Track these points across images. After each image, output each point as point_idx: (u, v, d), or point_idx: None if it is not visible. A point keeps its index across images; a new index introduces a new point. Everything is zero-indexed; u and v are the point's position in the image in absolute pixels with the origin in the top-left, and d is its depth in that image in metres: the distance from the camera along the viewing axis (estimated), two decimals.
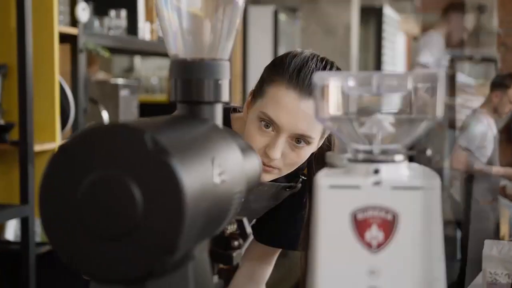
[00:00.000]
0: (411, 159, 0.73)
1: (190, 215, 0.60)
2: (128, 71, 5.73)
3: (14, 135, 2.38)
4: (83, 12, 2.61)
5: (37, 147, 2.39)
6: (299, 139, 1.23)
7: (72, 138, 0.62)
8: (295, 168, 1.28)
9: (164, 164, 0.60)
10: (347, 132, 0.72)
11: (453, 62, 4.57)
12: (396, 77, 0.70)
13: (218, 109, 0.81)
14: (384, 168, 0.69)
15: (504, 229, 4.27)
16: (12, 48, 2.38)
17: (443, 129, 4.53)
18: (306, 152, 1.26)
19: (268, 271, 1.47)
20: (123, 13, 3.02)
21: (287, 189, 1.39)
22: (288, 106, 1.21)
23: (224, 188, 0.70)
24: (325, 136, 1.31)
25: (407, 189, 0.67)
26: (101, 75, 4.22)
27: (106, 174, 0.61)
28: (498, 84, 4.28)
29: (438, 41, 4.36)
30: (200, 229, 0.65)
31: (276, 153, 1.22)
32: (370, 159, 0.70)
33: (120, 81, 3.18)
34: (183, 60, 0.81)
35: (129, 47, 3.18)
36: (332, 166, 0.77)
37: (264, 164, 1.24)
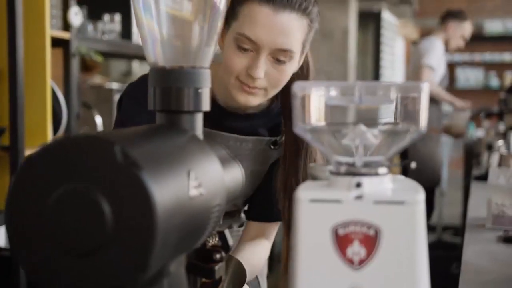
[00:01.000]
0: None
1: (162, 231, 0.58)
2: (126, 75, 5.71)
3: (5, 140, 2.36)
4: (76, 16, 2.59)
5: (28, 152, 2.36)
6: (280, 57, 1.20)
7: (41, 149, 0.60)
8: (280, 88, 1.25)
9: (134, 178, 0.57)
10: (328, 144, 0.70)
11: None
12: (379, 88, 0.67)
13: (199, 118, 0.79)
14: (367, 182, 0.66)
15: None
16: (3, 52, 2.36)
17: (438, 134, 4.54)
18: (289, 68, 1.23)
19: (266, 250, 1.41)
20: (117, 17, 2.99)
21: (272, 146, 1.35)
22: (264, 21, 1.18)
23: (201, 202, 0.67)
24: (306, 51, 1.28)
25: (390, 204, 0.65)
26: (97, 79, 4.20)
27: (74, 187, 0.58)
28: (453, 16, 4.42)
29: (440, 47, 4.39)
30: (175, 245, 0.63)
31: (259, 72, 1.20)
32: (352, 172, 0.67)
33: (115, 85, 3.16)
34: (162, 68, 0.78)
35: (123, 52, 3.15)
36: (314, 178, 0.75)
37: (248, 86, 1.22)
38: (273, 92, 1.25)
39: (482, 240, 1.65)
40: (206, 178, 0.69)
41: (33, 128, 2.43)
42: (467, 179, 4.59)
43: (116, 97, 3.05)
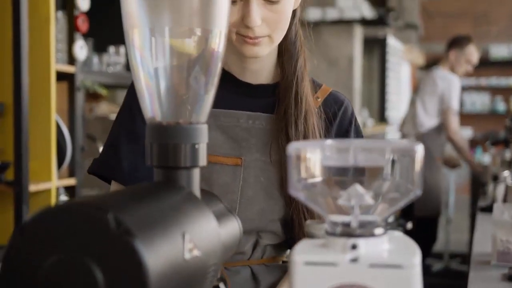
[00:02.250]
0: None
1: None
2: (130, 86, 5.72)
3: (9, 175, 2.36)
4: (81, 50, 2.60)
5: (33, 187, 2.37)
6: None
7: (33, 217, 0.60)
8: (283, 30, 1.17)
9: (128, 246, 0.57)
10: (323, 203, 0.69)
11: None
12: (374, 149, 0.67)
13: (195, 174, 0.79)
14: (363, 243, 0.66)
15: None
16: (8, 86, 2.37)
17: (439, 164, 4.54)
18: (285, 6, 1.15)
19: None
20: (122, 49, 3.01)
21: None
22: None
23: (197, 263, 0.67)
24: None
25: (386, 267, 0.64)
26: (104, 106, 4.21)
27: (67, 256, 0.58)
28: (454, 43, 4.42)
29: (458, 84, 4.41)
30: None
31: (255, 19, 1.12)
32: (347, 233, 0.67)
33: None
34: (159, 124, 0.78)
35: (128, 83, 3.17)
36: (310, 235, 0.74)
37: (250, 37, 1.15)
38: (278, 36, 1.17)
39: (487, 279, 1.64)
40: (202, 238, 0.69)
41: (37, 162, 2.44)
42: (474, 207, 4.57)
43: None
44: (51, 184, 2.47)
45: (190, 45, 0.78)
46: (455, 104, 4.32)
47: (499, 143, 4.56)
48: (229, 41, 1.19)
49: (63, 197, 2.73)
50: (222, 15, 0.78)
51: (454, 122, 4.31)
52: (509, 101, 9.99)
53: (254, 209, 1.20)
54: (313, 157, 0.68)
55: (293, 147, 0.68)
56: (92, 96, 3.79)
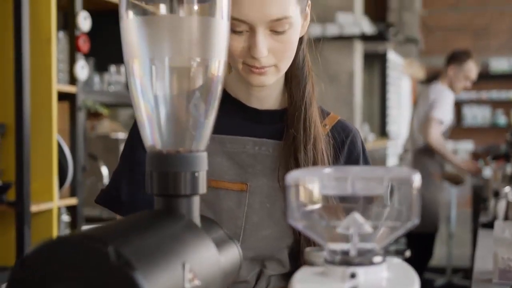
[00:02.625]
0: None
1: None
2: (134, 117, 5.74)
3: (10, 195, 2.37)
4: (82, 70, 2.62)
5: (34, 208, 2.37)
6: (277, 28, 1.11)
7: (34, 249, 0.60)
8: (290, 59, 1.16)
9: (128, 279, 0.58)
10: (322, 231, 0.70)
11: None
12: (372, 178, 0.68)
13: (195, 202, 0.80)
14: (362, 272, 0.66)
15: None
16: (10, 107, 2.39)
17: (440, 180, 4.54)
18: (292, 36, 1.13)
19: None
20: (123, 68, 3.03)
21: None
22: None
23: None
24: (307, 9, 1.20)
25: None
26: (106, 124, 4.23)
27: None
28: (453, 59, 4.42)
29: (449, 97, 4.42)
30: None
31: (261, 51, 1.11)
32: (346, 261, 0.67)
33: (121, 135, 3.18)
34: (159, 152, 0.79)
35: (129, 102, 3.19)
36: (310, 263, 0.75)
37: (256, 67, 1.14)
38: (284, 65, 1.17)
39: None
40: (202, 267, 0.70)
41: (39, 183, 2.44)
42: (475, 222, 4.56)
43: (122, 147, 3.07)
44: (52, 204, 2.48)
45: (189, 75, 0.79)
46: (438, 114, 4.31)
47: (500, 157, 4.55)
48: (235, 68, 1.19)
49: (65, 217, 2.74)
50: (221, 45, 0.79)
51: (433, 128, 4.29)
52: (510, 114, 10.01)
53: (259, 236, 1.19)
54: (311, 186, 0.69)
55: (291, 177, 0.69)
56: (94, 114, 3.80)
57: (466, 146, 10.14)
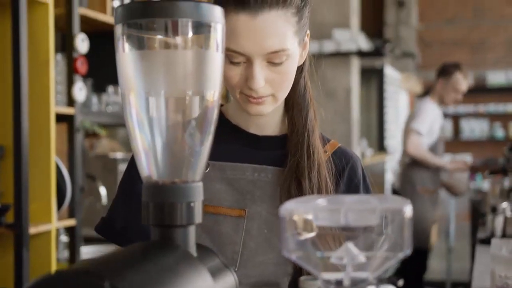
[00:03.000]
0: None
1: None
2: None
3: (9, 217, 2.38)
4: (80, 91, 2.63)
5: (33, 230, 2.38)
6: (274, 60, 1.12)
7: (31, 285, 0.61)
8: (287, 89, 1.17)
9: None
10: (316, 261, 0.71)
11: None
12: (364, 211, 0.69)
13: (191, 232, 0.81)
14: None
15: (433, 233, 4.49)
16: (8, 129, 2.40)
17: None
18: (289, 67, 1.14)
19: None
20: None
21: None
22: (245, 29, 1.10)
23: None
24: (305, 40, 1.20)
25: None
26: (104, 142, 4.23)
27: None
28: (441, 72, 4.41)
29: (432, 110, 4.41)
30: None
31: (258, 82, 1.12)
32: None
33: (119, 155, 3.19)
34: (155, 183, 0.80)
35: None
36: None
37: (253, 97, 1.14)
38: (282, 95, 1.18)
39: None
40: None
41: (37, 205, 2.45)
42: (474, 236, 4.57)
43: (121, 166, 3.08)
44: (51, 226, 2.48)
45: (185, 106, 0.80)
46: (416, 125, 4.30)
47: (498, 172, 4.56)
48: (233, 97, 1.20)
49: (63, 238, 2.74)
50: (216, 77, 0.81)
51: (410, 139, 4.28)
52: (508, 127, 10.03)
53: (256, 261, 1.19)
54: (305, 217, 0.70)
55: (285, 208, 0.70)
56: (93, 133, 3.82)
57: (464, 159, 10.15)
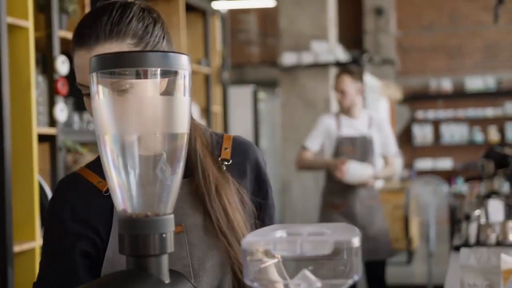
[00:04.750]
0: None
1: None
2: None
3: None
4: (61, 112, 2.69)
5: (17, 248, 2.43)
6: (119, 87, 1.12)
7: None
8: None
9: None
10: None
11: None
12: (317, 242, 0.77)
13: (164, 260, 0.88)
14: None
15: None
16: None
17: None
18: (142, 94, 1.14)
19: None
20: None
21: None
22: (83, 63, 1.16)
23: None
24: None
25: None
26: (88, 158, 4.27)
27: None
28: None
29: (321, 121, 4.22)
30: None
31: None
32: None
33: None
34: (129, 217, 0.87)
35: None
36: None
37: None
38: None
39: None
40: None
41: (20, 223, 2.50)
42: (452, 241, 4.65)
43: None
44: (35, 244, 2.53)
45: (156, 145, 0.88)
46: (306, 140, 4.19)
47: (474, 178, 4.65)
48: None
49: None
50: (184, 118, 0.88)
51: (299, 155, 4.17)
52: (487, 132, 10.19)
53: (206, 267, 1.25)
54: (264, 248, 0.78)
55: (246, 241, 0.78)
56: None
57: (445, 164, 10.30)
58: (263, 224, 1.31)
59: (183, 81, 0.87)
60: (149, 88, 0.86)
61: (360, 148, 4.15)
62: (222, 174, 1.28)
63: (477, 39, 10.10)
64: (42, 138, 2.66)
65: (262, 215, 1.35)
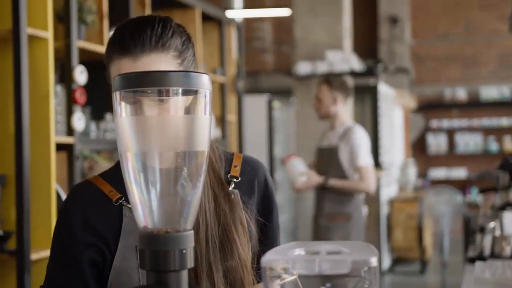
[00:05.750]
0: None
1: None
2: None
3: (11, 244, 2.46)
4: (79, 121, 2.73)
5: (34, 255, 2.46)
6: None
7: None
8: None
9: None
10: None
11: None
12: (336, 261, 0.78)
13: (184, 276, 0.89)
14: None
15: None
16: (10, 159, 2.48)
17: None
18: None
19: None
20: None
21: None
22: (127, 71, 1.14)
23: None
24: None
25: None
26: (103, 165, 4.30)
27: None
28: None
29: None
30: None
31: None
32: None
33: None
34: (150, 233, 0.89)
35: None
36: None
37: None
38: None
39: None
40: None
41: (38, 231, 2.53)
42: (466, 254, 4.64)
43: None
44: None
45: (177, 163, 0.89)
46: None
47: (489, 189, 4.62)
48: None
49: None
50: (204, 136, 0.90)
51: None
52: (502, 141, 10.14)
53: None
54: (283, 267, 0.79)
55: (266, 259, 0.79)
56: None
57: (459, 173, 10.25)
58: (264, 247, 1.31)
59: (204, 100, 0.89)
60: (170, 106, 0.88)
61: (326, 159, 4.12)
62: (226, 192, 1.29)
63: (492, 49, 10.06)
64: (59, 147, 2.69)
65: (264, 237, 1.35)
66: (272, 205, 1.37)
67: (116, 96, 0.88)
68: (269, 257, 0.79)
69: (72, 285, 1.26)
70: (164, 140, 0.88)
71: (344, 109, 4.18)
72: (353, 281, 0.79)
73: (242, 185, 1.33)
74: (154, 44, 1.20)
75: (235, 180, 1.32)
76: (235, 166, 1.34)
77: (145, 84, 0.87)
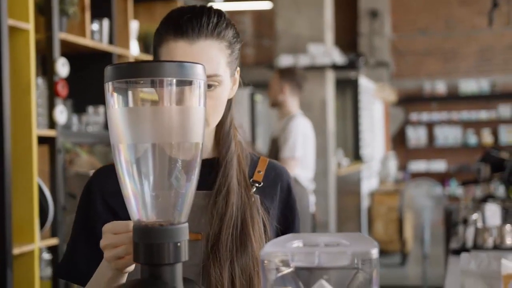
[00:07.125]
0: None
1: None
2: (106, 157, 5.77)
3: None
4: (61, 114, 2.69)
5: (16, 250, 2.43)
6: (208, 82, 1.16)
7: None
8: (219, 115, 1.24)
9: None
10: None
11: None
12: (335, 253, 0.77)
13: (178, 269, 0.88)
14: None
15: None
16: None
17: None
18: (221, 93, 1.22)
19: None
20: (101, 109, 3.10)
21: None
22: (182, 54, 1.19)
23: None
24: (235, 76, 1.28)
25: None
26: (84, 158, 4.26)
27: None
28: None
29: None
30: None
31: None
32: None
33: None
34: (144, 226, 0.88)
35: (106, 142, 3.25)
36: None
37: None
38: (213, 120, 1.24)
39: None
40: None
41: (20, 225, 2.50)
42: (448, 245, 4.67)
43: None
44: (34, 246, 2.53)
45: (170, 155, 0.88)
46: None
47: (470, 182, 4.65)
48: None
49: (46, 255, 2.79)
50: (198, 127, 0.88)
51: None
52: (480, 134, 10.22)
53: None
54: (282, 259, 0.78)
55: (265, 252, 0.78)
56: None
57: (439, 166, 10.33)
58: None
59: (198, 91, 0.88)
60: (164, 97, 0.86)
61: (272, 149, 4.16)
62: (248, 196, 1.29)
63: (472, 43, 10.13)
64: (41, 140, 2.65)
65: None
66: (294, 212, 1.36)
67: (108, 86, 0.86)
68: (268, 249, 0.78)
69: (91, 264, 1.23)
70: (157, 132, 0.86)
71: (292, 100, 4.16)
72: (352, 273, 0.78)
73: (264, 190, 1.32)
74: (211, 31, 1.22)
75: (257, 185, 1.31)
76: (259, 171, 1.34)
77: (138, 74, 0.85)
